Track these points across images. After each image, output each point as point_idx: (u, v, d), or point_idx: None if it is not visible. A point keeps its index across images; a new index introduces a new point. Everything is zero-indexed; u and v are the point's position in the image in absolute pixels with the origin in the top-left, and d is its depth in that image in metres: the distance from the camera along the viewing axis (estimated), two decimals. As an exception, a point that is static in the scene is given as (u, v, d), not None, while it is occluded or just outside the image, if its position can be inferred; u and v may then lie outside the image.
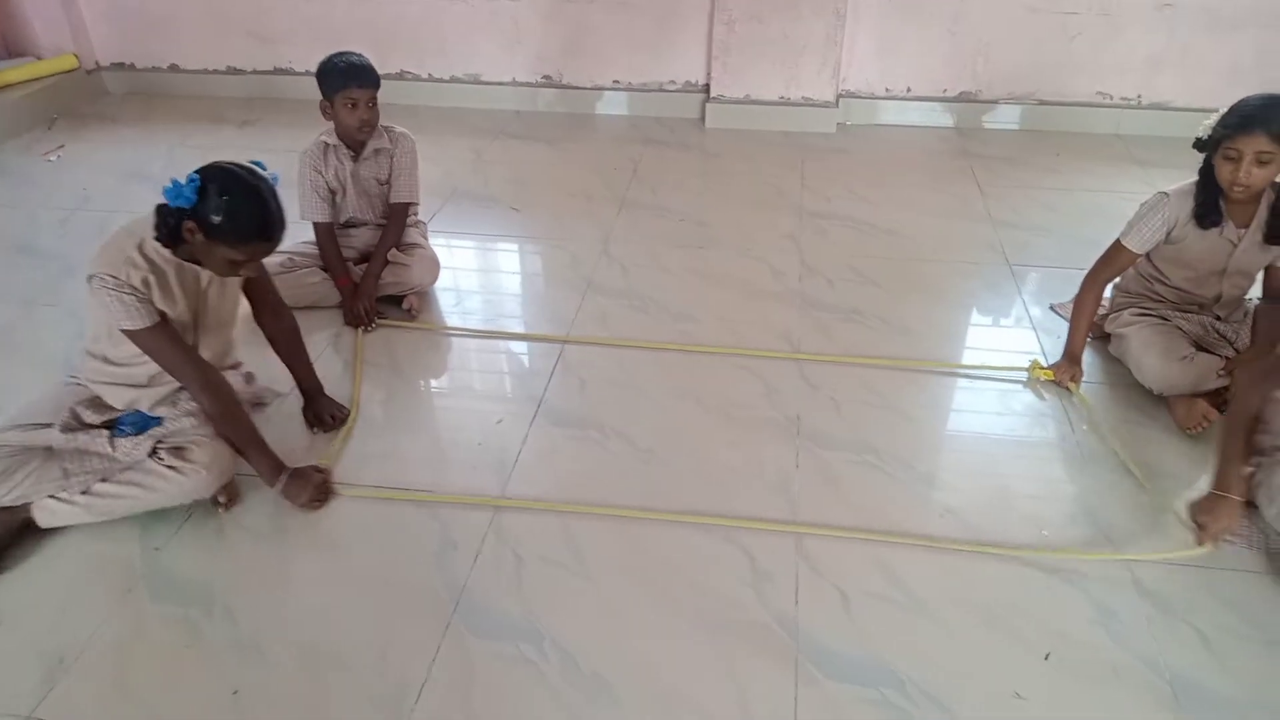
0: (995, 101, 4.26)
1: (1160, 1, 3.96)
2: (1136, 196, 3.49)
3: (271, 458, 2.07)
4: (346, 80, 2.67)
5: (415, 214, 3.02)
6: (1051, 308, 2.87)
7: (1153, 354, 2.34)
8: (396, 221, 2.85)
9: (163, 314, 1.94)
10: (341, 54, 2.71)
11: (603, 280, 3.05)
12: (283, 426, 2.35)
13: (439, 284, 2.96)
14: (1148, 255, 2.51)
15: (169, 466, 1.98)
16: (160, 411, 2.09)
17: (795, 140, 4.21)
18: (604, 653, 1.75)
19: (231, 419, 2.04)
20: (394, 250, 2.83)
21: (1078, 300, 2.54)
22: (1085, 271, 2.52)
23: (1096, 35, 4.07)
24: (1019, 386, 2.52)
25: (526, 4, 4.32)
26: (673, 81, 4.43)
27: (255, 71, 4.67)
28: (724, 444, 2.30)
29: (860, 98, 4.33)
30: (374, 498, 2.12)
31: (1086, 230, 3.29)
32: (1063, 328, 2.70)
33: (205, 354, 2.09)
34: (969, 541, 1.99)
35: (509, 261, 3.26)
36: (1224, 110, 2.21)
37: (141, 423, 2.06)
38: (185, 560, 1.96)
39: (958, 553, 1.97)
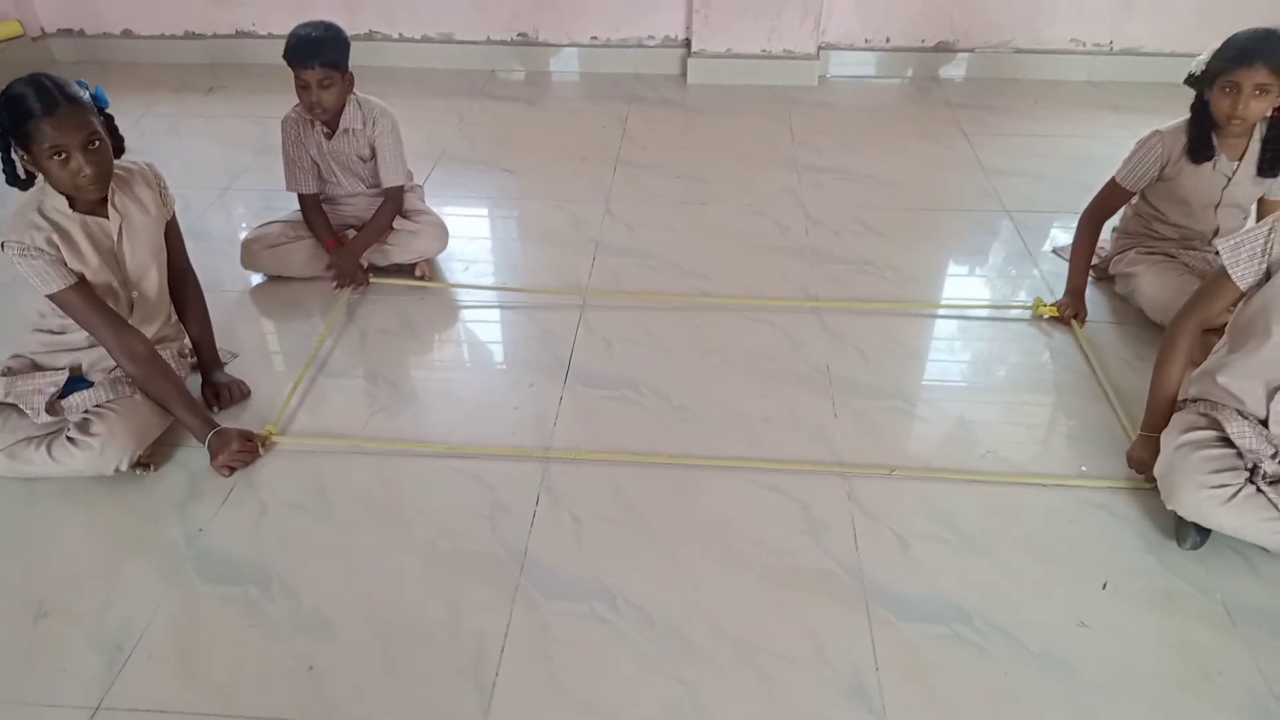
0: (972, 50, 4.30)
1: (1130, -54, 4.03)
2: (1117, 141, 3.59)
3: (199, 416, 2.08)
4: (290, 59, 2.47)
5: (411, 180, 2.94)
6: (1054, 251, 2.93)
7: (1169, 292, 2.41)
8: (389, 204, 2.73)
9: (81, 275, 1.97)
10: (302, 25, 2.50)
11: (610, 240, 3.02)
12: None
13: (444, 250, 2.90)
14: (1144, 195, 2.58)
15: (69, 439, 1.97)
16: (96, 375, 2.09)
17: (778, 94, 4.20)
18: (676, 607, 1.76)
19: (152, 381, 2.05)
20: (399, 218, 2.75)
21: (1076, 238, 2.60)
22: (1080, 214, 2.58)
23: (1069, -19, 4.13)
24: (1032, 327, 2.58)
25: (498, -42, 4.22)
26: (651, 37, 4.37)
27: (216, 35, 4.48)
28: (757, 396, 2.32)
29: (841, 49, 4.33)
30: (419, 454, 2.10)
31: (1075, 175, 3.36)
32: (1064, 268, 2.78)
33: (143, 318, 2.13)
34: (1014, 474, 2.05)
35: (511, 224, 3.20)
36: (1216, 46, 2.26)
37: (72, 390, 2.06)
38: (232, 539, 1.92)
39: (1003, 490, 2.02)
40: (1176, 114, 2.42)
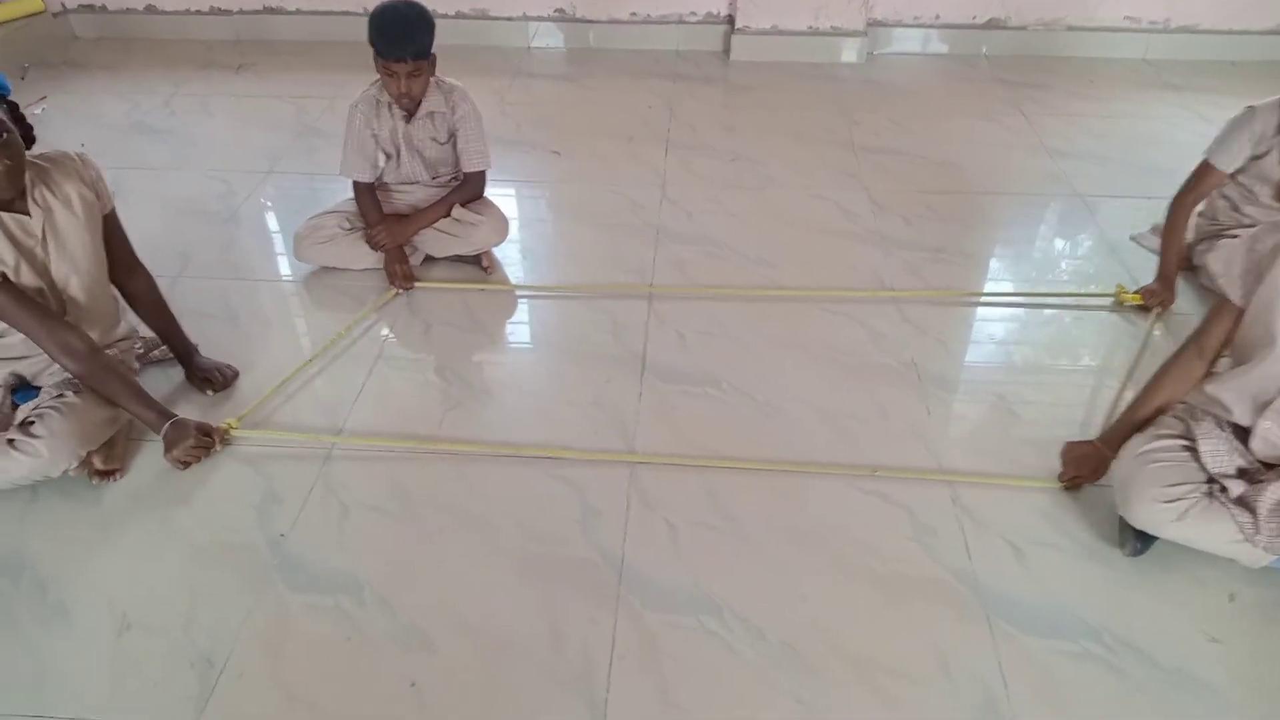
0: (1024, 28, 4.17)
1: (1190, -80, 3.90)
2: (1178, 122, 3.52)
3: (153, 407, 1.98)
4: (381, 48, 2.33)
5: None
6: (1131, 238, 2.84)
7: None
8: (470, 185, 2.65)
9: (3, 275, 1.82)
10: (391, 5, 2.32)
11: (670, 226, 2.92)
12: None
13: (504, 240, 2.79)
14: (1233, 174, 2.48)
15: (9, 441, 1.84)
16: (44, 381, 1.99)
17: (825, 72, 4.08)
18: (787, 620, 1.69)
19: (95, 377, 1.91)
20: (460, 208, 2.65)
21: (1168, 223, 2.50)
22: (1153, 199, 2.49)
23: (1125, -44, 4.00)
24: (1116, 316, 2.49)
25: (535, -69, 4.08)
26: (693, 13, 4.24)
27: (242, 12, 4.32)
28: (842, 392, 2.23)
29: (889, 26, 4.20)
30: (503, 457, 2.01)
31: (1141, 157, 3.28)
32: (1145, 257, 2.71)
33: (78, 323, 1.95)
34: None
35: (565, 209, 3.09)
36: None
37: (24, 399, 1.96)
38: (316, 545, 1.83)
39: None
40: (1238, 92, 2.34)
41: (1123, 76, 4.03)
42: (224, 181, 3.15)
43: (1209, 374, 1.83)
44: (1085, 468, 1.92)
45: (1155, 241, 2.76)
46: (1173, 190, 2.48)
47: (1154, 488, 1.70)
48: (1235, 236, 2.50)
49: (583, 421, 2.15)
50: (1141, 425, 1.86)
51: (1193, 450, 1.74)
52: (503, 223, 2.69)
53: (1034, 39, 4.19)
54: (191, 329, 2.33)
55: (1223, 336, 1.80)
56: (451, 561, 1.81)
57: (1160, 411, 1.86)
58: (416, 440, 2.08)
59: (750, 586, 1.76)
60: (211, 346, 2.33)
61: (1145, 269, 2.66)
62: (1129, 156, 3.32)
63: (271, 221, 2.97)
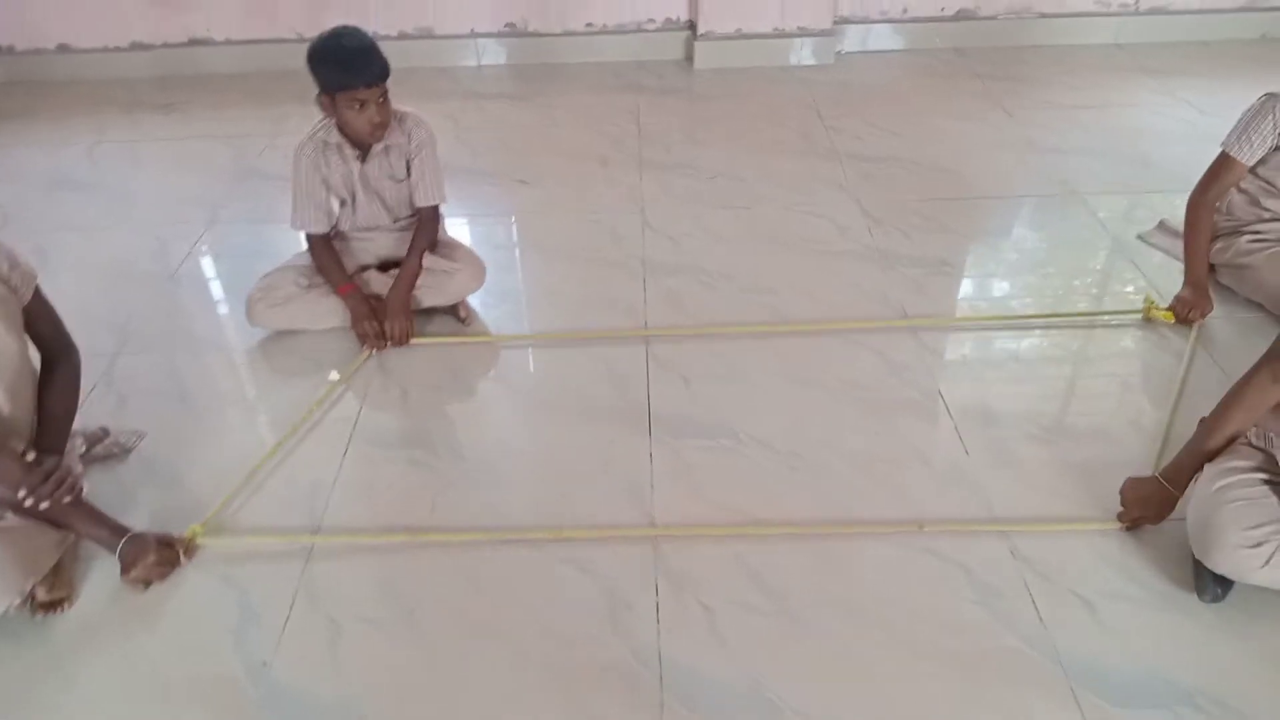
0: (994, 17, 4.05)
1: (1153, -102, 3.80)
2: (1162, 109, 3.39)
3: (104, 524, 1.73)
4: (348, 79, 2.13)
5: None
6: (1139, 237, 2.70)
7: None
8: (427, 227, 2.40)
9: None
10: (335, 36, 2.14)
11: (656, 257, 2.71)
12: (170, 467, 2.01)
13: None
14: (1253, 168, 2.35)
15: None
16: None
17: (795, 75, 3.91)
18: (856, 716, 1.50)
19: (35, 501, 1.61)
20: (430, 255, 2.40)
21: (1189, 224, 2.36)
22: (1152, 193, 2.34)
23: (1090, -62, 3.89)
24: (1148, 332, 2.34)
25: (479, -57, 3.84)
26: (651, 20, 4.04)
27: (166, 45, 4.02)
28: (871, 435, 2.05)
29: (855, 23, 4.05)
30: (509, 542, 1.79)
31: (1133, 149, 3.15)
32: (1157, 256, 2.58)
33: (10, 435, 1.66)
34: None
35: (540, 245, 2.84)
36: None
37: None
38: (305, 673, 1.59)
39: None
40: (1215, 75, 2.21)
41: (1098, 63, 3.92)
42: (158, 239, 2.86)
43: None
44: (1150, 508, 1.75)
45: (1164, 240, 2.64)
46: (1169, 182, 2.35)
47: (1235, 532, 1.55)
48: (1256, 233, 2.38)
49: (591, 492, 1.93)
50: (1211, 457, 1.70)
51: (1270, 483, 1.59)
52: (480, 267, 2.45)
53: (1004, 28, 4.07)
54: (139, 413, 2.10)
55: None
56: (464, 678, 1.58)
57: (1230, 442, 1.70)
58: (407, 532, 1.85)
59: (808, 677, 1.56)
60: (163, 431, 2.07)
61: (1158, 268, 2.54)
62: (1118, 148, 3.19)
63: (218, 280, 2.70)
